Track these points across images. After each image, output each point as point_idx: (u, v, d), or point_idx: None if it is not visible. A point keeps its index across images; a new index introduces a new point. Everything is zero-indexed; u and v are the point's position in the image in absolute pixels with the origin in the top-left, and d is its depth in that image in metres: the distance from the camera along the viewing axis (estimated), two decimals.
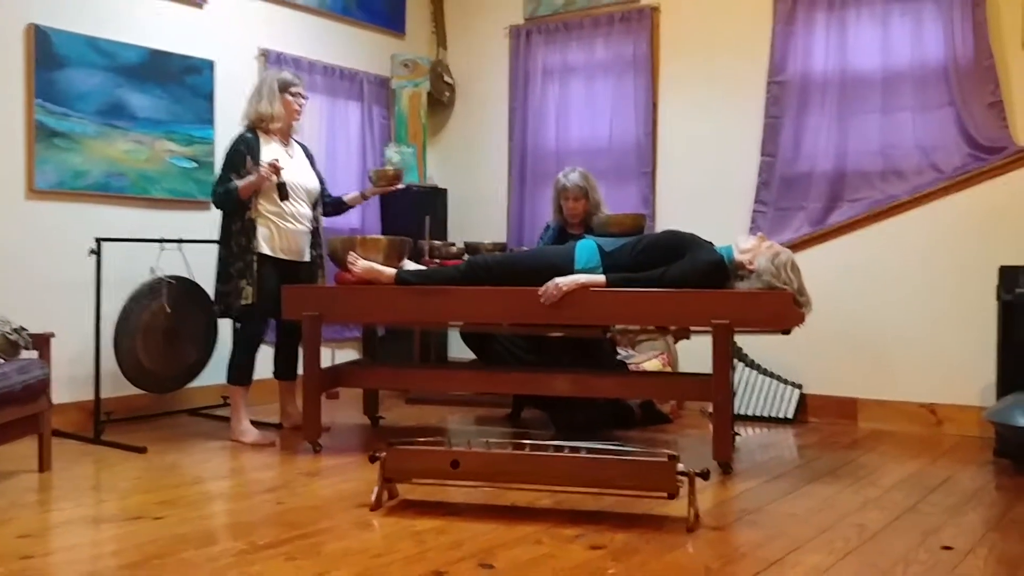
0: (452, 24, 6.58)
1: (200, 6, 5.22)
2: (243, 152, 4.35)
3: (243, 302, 4.31)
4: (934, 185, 4.84)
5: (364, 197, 4.79)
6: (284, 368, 4.74)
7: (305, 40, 5.82)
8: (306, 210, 4.52)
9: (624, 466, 3.08)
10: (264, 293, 4.33)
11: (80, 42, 4.64)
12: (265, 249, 4.35)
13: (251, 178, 4.27)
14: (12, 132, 4.44)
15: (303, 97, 4.54)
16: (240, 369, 4.45)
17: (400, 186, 4.77)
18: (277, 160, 4.30)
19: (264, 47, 5.54)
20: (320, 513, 3.21)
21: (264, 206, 4.34)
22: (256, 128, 4.44)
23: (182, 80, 5.09)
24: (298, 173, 4.50)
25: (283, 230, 4.40)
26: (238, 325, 4.50)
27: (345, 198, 4.76)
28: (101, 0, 4.78)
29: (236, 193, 4.27)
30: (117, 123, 4.81)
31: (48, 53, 4.52)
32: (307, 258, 4.57)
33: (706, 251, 3.91)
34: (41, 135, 4.50)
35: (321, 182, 4.68)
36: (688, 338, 5.11)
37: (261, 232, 4.34)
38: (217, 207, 4.42)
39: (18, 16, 4.45)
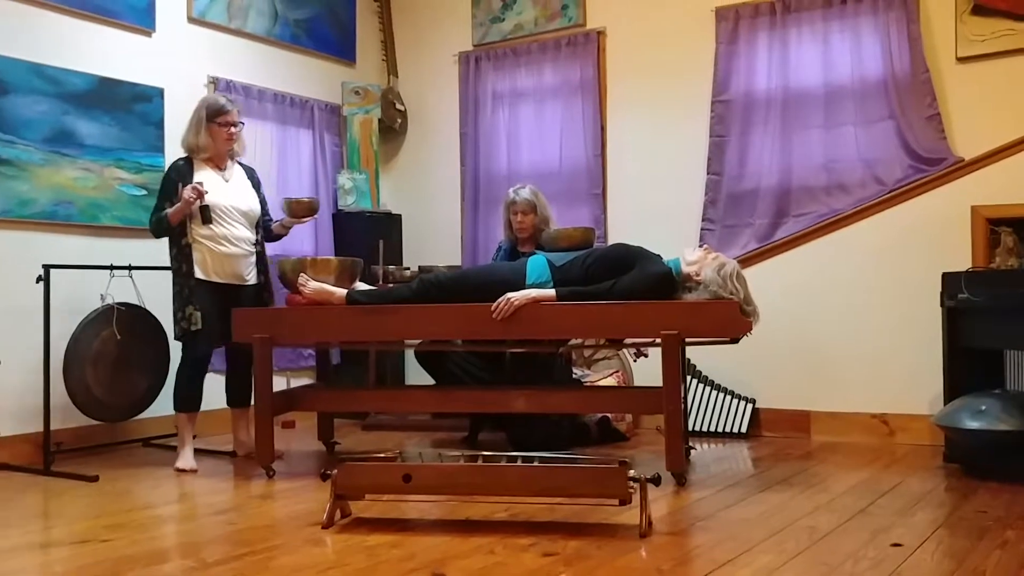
0: (402, 52, 6.63)
1: (149, 34, 5.22)
2: (174, 180, 4.35)
3: (192, 327, 4.28)
4: (877, 197, 4.95)
5: (284, 227, 4.66)
6: (235, 395, 4.67)
7: (255, 68, 5.83)
8: (243, 232, 4.46)
9: (575, 473, 3.09)
10: (204, 319, 4.30)
11: (25, 68, 4.62)
12: (199, 274, 4.32)
13: (178, 204, 4.26)
14: None
15: (234, 124, 4.46)
16: (186, 395, 4.40)
17: (315, 217, 4.73)
18: (201, 184, 4.28)
19: (214, 75, 5.54)
20: (271, 532, 3.18)
21: (196, 231, 4.31)
22: (191, 155, 4.45)
23: (131, 108, 5.08)
24: (234, 196, 4.45)
25: (216, 254, 4.35)
26: (182, 350, 4.45)
27: (271, 227, 4.67)
28: (46, 27, 4.76)
29: (166, 220, 4.28)
30: (65, 151, 4.77)
31: None
32: (251, 281, 4.52)
33: (654, 263, 3.96)
34: None
35: (262, 205, 4.63)
36: (647, 355, 5.17)
37: (196, 257, 4.32)
38: (153, 235, 4.43)
39: None
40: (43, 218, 4.68)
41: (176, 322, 4.36)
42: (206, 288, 4.33)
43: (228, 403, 4.68)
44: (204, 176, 4.38)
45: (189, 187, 4.24)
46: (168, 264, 4.42)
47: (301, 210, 4.58)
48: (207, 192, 4.28)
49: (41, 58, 4.70)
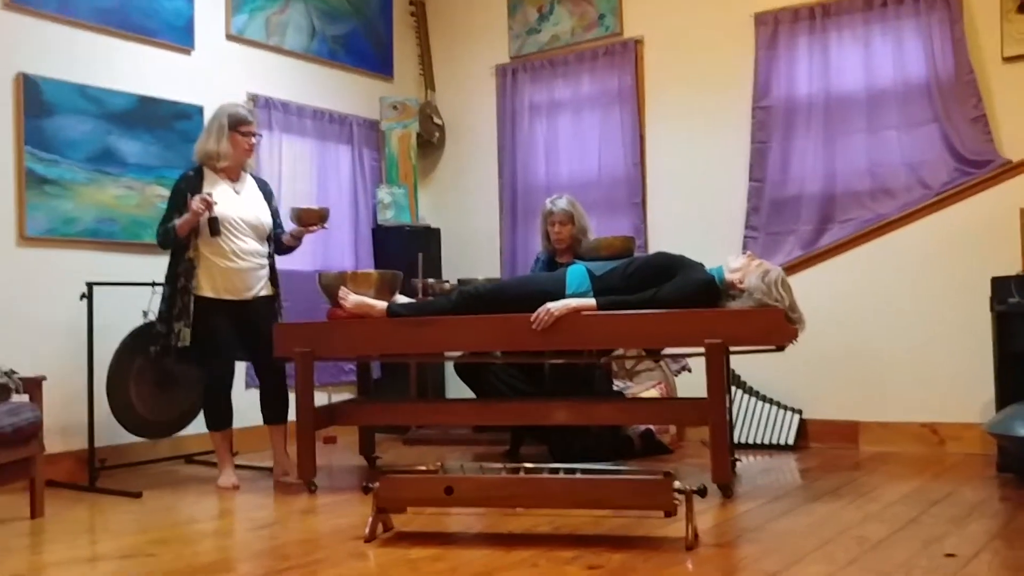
0: (439, 66, 6.65)
1: (188, 52, 5.28)
2: (183, 190, 4.27)
3: (179, 344, 4.19)
4: (923, 201, 4.86)
5: (293, 237, 4.53)
6: (269, 412, 4.53)
7: (294, 84, 5.88)
8: (252, 245, 4.37)
9: (619, 485, 3.05)
10: (214, 335, 4.24)
11: (69, 90, 4.69)
12: (207, 292, 4.24)
13: (186, 215, 4.17)
14: (2, 180, 4.46)
15: (255, 135, 4.43)
16: (212, 413, 4.36)
17: (325, 226, 4.54)
18: (210, 195, 4.19)
19: (253, 92, 5.59)
20: (314, 546, 3.17)
21: (203, 245, 4.24)
22: (204, 165, 4.36)
23: (172, 126, 5.13)
24: (244, 208, 4.37)
25: (223, 269, 4.27)
26: (202, 369, 4.40)
27: (283, 238, 4.55)
28: (89, 48, 4.83)
29: (173, 231, 4.19)
30: (107, 169, 4.84)
31: (37, 101, 4.56)
32: (263, 293, 4.43)
33: (696, 271, 3.91)
34: (31, 182, 4.52)
35: (274, 216, 4.55)
36: (690, 370, 5.11)
37: (201, 274, 4.24)
38: (160, 247, 4.35)
39: (7, 66, 4.50)
40: (87, 236, 4.74)
41: (162, 335, 4.24)
42: (213, 305, 4.25)
43: (264, 421, 4.56)
44: (215, 188, 4.30)
45: (197, 198, 4.15)
46: None
47: (310, 218, 4.45)
48: (216, 203, 4.19)
49: (84, 79, 4.77)
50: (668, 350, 4.64)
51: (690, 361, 5.16)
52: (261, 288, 4.43)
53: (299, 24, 5.92)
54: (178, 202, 4.27)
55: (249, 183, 4.50)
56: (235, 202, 4.34)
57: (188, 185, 4.30)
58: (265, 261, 4.46)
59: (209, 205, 4.16)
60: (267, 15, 5.72)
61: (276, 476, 4.48)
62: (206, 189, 4.28)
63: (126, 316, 4.54)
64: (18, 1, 4.53)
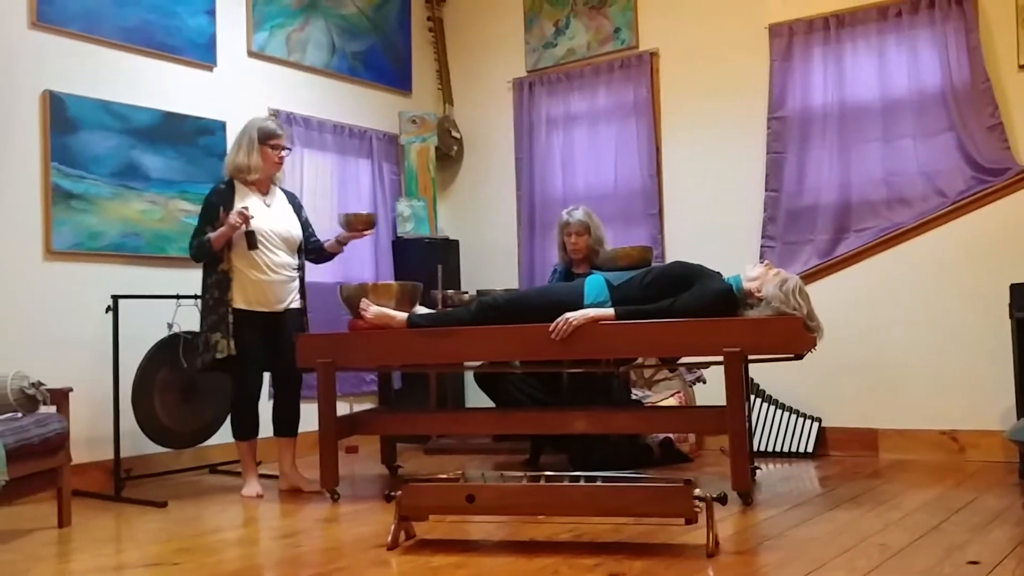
0: (457, 80, 6.71)
1: (211, 69, 5.36)
2: (215, 203, 4.32)
3: (218, 355, 4.24)
4: (939, 210, 4.87)
5: (339, 243, 4.62)
6: (282, 425, 4.55)
7: (314, 100, 5.95)
8: (284, 258, 4.43)
9: (640, 492, 3.06)
10: (245, 347, 4.28)
11: (94, 106, 4.77)
12: (239, 303, 4.29)
13: (222, 228, 4.22)
14: (30, 195, 4.54)
15: (284, 148, 4.48)
16: (240, 423, 4.41)
17: (372, 231, 4.67)
18: (247, 208, 4.25)
19: (274, 107, 5.66)
20: (337, 554, 3.20)
21: (237, 258, 4.29)
22: (234, 178, 4.41)
23: (195, 141, 5.21)
24: (276, 222, 4.42)
25: (257, 282, 4.32)
26: (232, 380, 4.45)
27: (325, 245, 4.64)
28: (114, 66, 4.91)
29: (209, 245, 4.23)
30: (132, 184, 4.91)
31: (63, 118, 4.64)
32: (293, 305, 4.48)
33: (715, 280, 3.93)
34: (58, 197, 4.60)
35: (305, 228, 4.60)
36: (704, 381, 5.13)
37: (235, 286, 4.28)
38: (193, 260, 4.39)
39: (34, 84, 4.59)
40: (112, 250, 4.81)
41: (201, 351, 4.32)
42: (246, 317, 4.30)
43: (275, 433, 4.56)
44: (246, 201, 4.35)
45: (235, 212, 4.21)
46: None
47: (360, 223, 4.54)
48: (253, 217, 4.25)
49: (109, 95, 4.85)
50: (684, 360, 4.67)
51: (710, 370, 5.17)
52: (291, 300, 4.48)
53: (319, 41, 6.00)
54: (211, 215, 4.32)
55: (279, 196, 4.56)
56: (266, 215, 4.39)
57: (220, 198, 4.34)
58: (295, 274, 4.51)
59: (246, 219, 4.22)
60: (288, 32, 5.80)
61: (281, 487, 4.51)
62: (238, 202, 4.32)
63: (151, 328, 4.61)
64: (44, 20, 4.62)
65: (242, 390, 4.39)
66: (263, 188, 4.46)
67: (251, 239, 4.25)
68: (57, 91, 4.63)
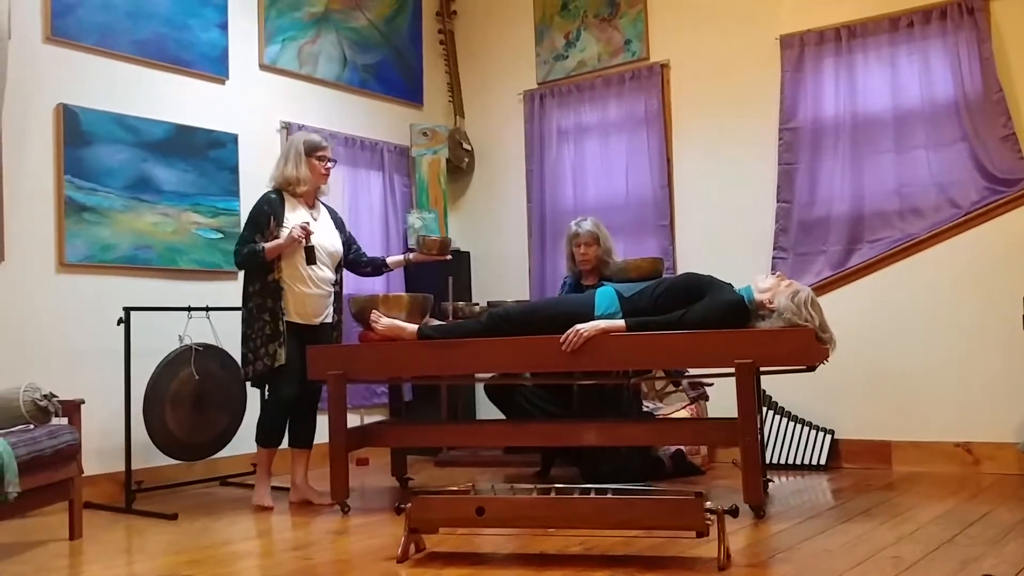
0: (468, 92, 6.72)
1: (223, 82, 5.39)
2: (267, 213, 4.34)
3: (277, 364, 4.26)
4: (953, 221, 4.84)
5: (408, 261, 4.74)
6: (300, 437, 4.54)
7: (326, 112, 5.98)
8: (328, 274, 4.48)
9: (651, 504, 3.05)
10: (290, 357, 4.30)
11: (107, 120, 4.80)
12: (285, 314, 4.31)
13: (279, 240, 4.25)
14: (43, 208, 4.57)
15: (331, 160, 4.55)
16: (269, 431, 4.42)
17: (448, 257, 4.74)
18: (308, 223, 4.31)
19: (286, 120, 5.69)
20: (347, 566, 3.20)
21: (285, 269, 4.32)
22: (283, 190, 4.44)
23: (207, 154, 5.23)
24: (324, 237, 4.47)
25: (300, 295, 4.35)
26: (268, 388, 4.48)
27: (388, 260, 4.75)
28: (127, 79, 4.94)
29: (262, 254, 4.26)
30: (144, 197, 4.93)
31: (76, 131, 4.67)
32: (328, 320, 4.51)
33: (726, 291, 3.92)
34: (71, 210, 4.62)
35: (350, 243, 4.66)
36: (707, 398, 5.11)
37: (284, 295, 4.31)
38: (239, 267, 4.43)
39: (48, 97, 4.62)
40: (124, 262, 4.83)
41: (252, 360, 4.31)
42: (291, 329, 4.33)
43: (291, 444, 4.56)
44: (295, 213, 4.39)
45: (298, 226, 4.24)
46: (240, 301, 4.44)
47: (433, 248, 4.64)
48: (314, 232, 4.30)
49: (122, 108, 4.88)
50: (691, 372, 4.67)
51: (721, 382, 5.15)
52: (328, 315, 4.51)
53: (330, 54, 6.03)
54: (261, 223, 4.32)
55: (323, 211, 4.60)
56: (315, 230, 4.40)
57: (272, 208, 4.35)
58: (333, 289, 4.54)
59: (308, 234, 4.25)
60: (299, 45, 5.83)
61: (292, 499, 4.49)
62: (288, 214, 4.36)
63: (163, 340, 4.62)
64: (59, 34, 4.65)
65: (280, 399, 4.38)
66: (309, 202, 4.51)
67: (311, 254, 4.28)
68: (71, 104, 4.66)
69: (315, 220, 4.48)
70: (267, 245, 4.26)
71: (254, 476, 4.92)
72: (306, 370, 4.37)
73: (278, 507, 4.36)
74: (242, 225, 4.65)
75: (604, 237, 4.83)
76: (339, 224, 4.67)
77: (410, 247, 4.73)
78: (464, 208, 6.76)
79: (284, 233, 4.28)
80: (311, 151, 4.45)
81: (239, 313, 4.49)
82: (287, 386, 4.36)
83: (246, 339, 4.36)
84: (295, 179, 4.41)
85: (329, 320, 4.54)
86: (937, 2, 4.94)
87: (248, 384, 4.56)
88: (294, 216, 4.38)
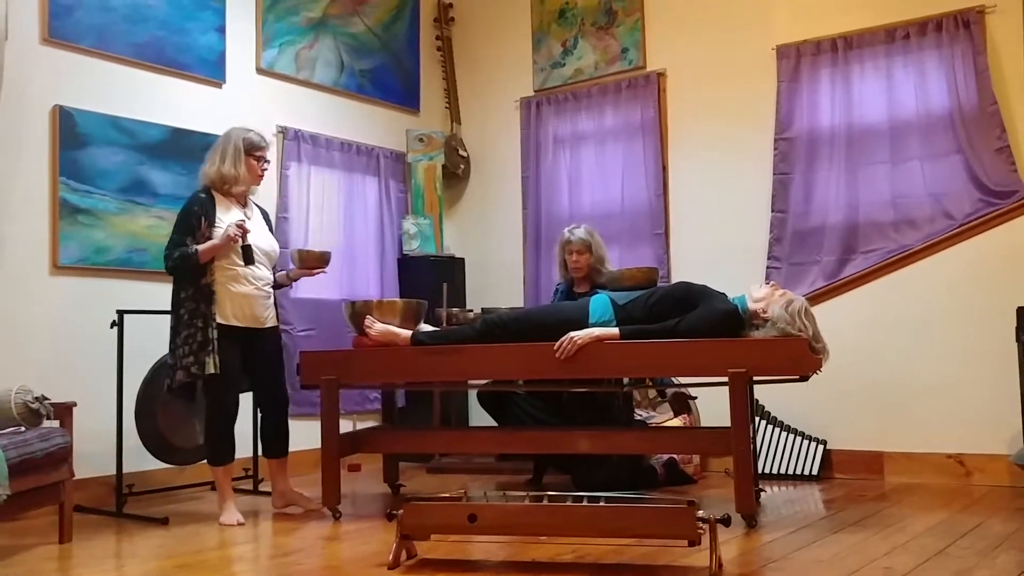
0: (465, 99, 6.73)
1: (219, 85, 5.38)
2: (198, 213, 4.12)
3: (209, 372, 4.04)
4: (947, 232, 4.85)
5: (289, 279, 4.48)
6: (272, 446, 4.40)
7: (322, 117, 5.98)
8: (266, 274, 4.29)
9: (643, 513, 3.04)
10: (226, 365, 4.08)
11: (103, 122, 4.79)
12: (219, 318, 4.10)
13: (214, 241, 4.05)
14: (37, 209, 4.56)
15: (267, 161, 4.34)
16: (216, 446, 4.19)
17: (324, 270, 4.50)
18: (244, 221, 4.11)
19: (282, 124, 5.68)
20: (337, 573, 3.19)
21: (218, 272, 4.12)
22: (214, 189, 4.24)
23: (202, 157, 5.16)
24: (259, 236, 4.28)
25: (237, 295, 4.15)
26: (207, 400, 4.25)
27: (276, 276, 4.43)
28: (123, 81, 4.94)
29: (196, 258, 4.03)
30: (139, 199, 4.93)
31: (72, 133, 4.66)
32: (271, 323, 4.34)
33: (720, 301, 3.92)
34: (65, 212, 4.61)
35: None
36: (689, 412, 5.11)
37: (217, 299, 4.10)
38: (171, 272, 4.15)
39: (44, 98, 4.61)
40: (118, 265, 4.82)
41: (180, 368, 4.06)
42: (226, 332, 4.12)
43: (264, 454, 4.48)
44: (230, 214, 4.21)
45: (233, 225, 4.05)
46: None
47: (312, 261, 4.43)
48: (250, 231, 4.12)
49: (117, 111, 4.88)
50: (679, 380, 4.67)
51: (714, 390, 5.15)
52: (270, 317, 4.35)
53: (328, 59, 6.03)
54: (191, 225, 4.11)
55: (256, 211, 4.43)
56: (250, 229, 4.21)
57: (202, 208, 4.15)
58: (271, 290, 4.37)
59: (245, 232, 4.08)
60: (297, 50, 5.83)
61: (276, 507, 4.39)
62: (220, 214, 4.17)
63: (155, 344, 4.59)
64: (56, 36, 4.65)
65: (220, 411, 4.18)
66: (242, 200, 4.32)
67: (248, 253, 4.08)
68: (67, 106, 4.66)
69: (248, 219, 4.24)
70: (200, 247, 4.05)
71: (246, 481, 4.93)
72: (245, 378, 4.25)
73: (268, 513, 4.34)
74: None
75: (597, 245, 4.83)
76: (269, 224, 4.51)
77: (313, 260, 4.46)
78: (459, 214, 6.76)
79: (217, 233, 4.10)
80: (250, 149, 4.24)
81: None
82: (226, 394, 4.17)
83: (172, 346, 4.13)
84: (232, 177, 4.20)
85: (273, 324, 4.37)
86: (933, 14, 4.96)
87: (168, 394, 4.26)
88: (227, 216, 4.18)
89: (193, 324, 4.08)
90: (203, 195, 4.22)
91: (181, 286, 4.15)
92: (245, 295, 4.20)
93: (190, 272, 4.11)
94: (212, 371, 4.05)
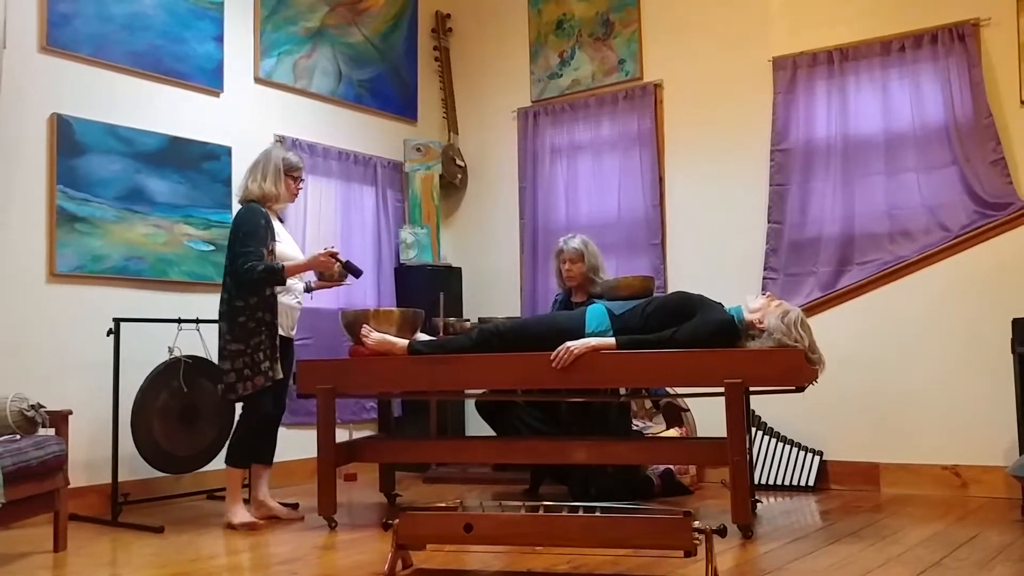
0: (462, 109, 6.75)
1: (217, 94, 5.39)
2: (266, 227, 4.25)
3: (278, 377, 4.23)
4: (942, 244, 4.87)
5: (308, 289, 4.62)
6: (263, 453, 4.42)
7: (320, 126, 5.98)
8: (301, 286, 4.52)
9: (639, 524, 3.04)
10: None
11: (101, 130, 4.80)
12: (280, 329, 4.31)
13: (301, 261, 4.30)
14: (34, 217, 4.56)
15: (303, 180, 4.53)
16: (248, 449, 4.30)
17: (347, 283, 4.68)
18: (333, 246, 4.32)
19: (280, 133, 5.69)
20: None
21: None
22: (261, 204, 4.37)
23: (200, 166, 5.23)
24: (290, 248, 4.47)
25: (285, 307, 4.34)
26: (247, 404, 4.32)
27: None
28: (121, 90, 4.94)
29: (283, 274, 4.17)
30: (136, 208, 4.93)
31: (70, 141, 4.67)
32: (295, 333, 4.55)
33: (716, 311, 3.93)
34: (62, 220, 4.61)
35: None
36: (681, 425, 5.13)
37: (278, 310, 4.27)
38: (253, 284, 4.16)
39: (42, 107, 4.62)
40: (115, 273, 4.82)
41: (250, 376, 4.14)
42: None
43: (254, 460, 4.43)
44: (278, 229, 4.40)
45: (326, 251, 4.25)
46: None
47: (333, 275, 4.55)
48: (339, 251, 4.32)
49: (115, 119, 4.88)
50: (672, 391, 4.67)
51: (711, 401, 5.16)
52: (295, 328, 4.54)
53: (326, 68, 6.04)
54: (264, 237, 4.21)
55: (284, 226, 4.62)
56: (290, 243, 4.46)
57: (267, 221, 4.30)
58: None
59: (336, 256, 4.27)
60: (295, 59, 5.85)
61: (256, 516, 4.32)
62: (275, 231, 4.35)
63: (152, 352, 4.60)
64: (54, 44, 4.66)
65: (264, 415, 4.30)
66: (278, 216, 4.52)
67: (352, 268, 4.39)
68: (65, 114, 4.66)
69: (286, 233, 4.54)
70: (287, 265, 4.21)
71: (243, 491, 4.90)
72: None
73: (265, 522, 4.33)
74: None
75: (591, 255, 4.83)
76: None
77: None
78: (456, 224, 6.77)
79: (277, 248, 4.28)
80: (289, 170, 4.41)
81: None
82: (271, 401, 4.32)
83: (239, 354, 4.16)
84: (273, 195, 4.36)
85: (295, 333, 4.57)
86: (928, 27, 4.99)
87: (230, 400, 4.40)
88: (279, 231, 4.40)
89: (260, 332, 4.18)
90: (263, 209, 4.33)
91: (240, 295, 4.19)
92: (291, 307, 4.41)
93: (269, 285, 4.21)
94: (279, 377, 4.24)
